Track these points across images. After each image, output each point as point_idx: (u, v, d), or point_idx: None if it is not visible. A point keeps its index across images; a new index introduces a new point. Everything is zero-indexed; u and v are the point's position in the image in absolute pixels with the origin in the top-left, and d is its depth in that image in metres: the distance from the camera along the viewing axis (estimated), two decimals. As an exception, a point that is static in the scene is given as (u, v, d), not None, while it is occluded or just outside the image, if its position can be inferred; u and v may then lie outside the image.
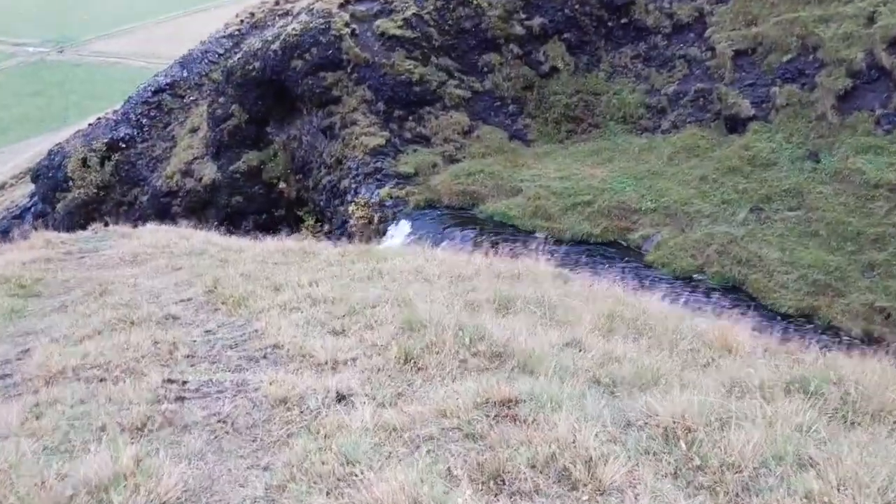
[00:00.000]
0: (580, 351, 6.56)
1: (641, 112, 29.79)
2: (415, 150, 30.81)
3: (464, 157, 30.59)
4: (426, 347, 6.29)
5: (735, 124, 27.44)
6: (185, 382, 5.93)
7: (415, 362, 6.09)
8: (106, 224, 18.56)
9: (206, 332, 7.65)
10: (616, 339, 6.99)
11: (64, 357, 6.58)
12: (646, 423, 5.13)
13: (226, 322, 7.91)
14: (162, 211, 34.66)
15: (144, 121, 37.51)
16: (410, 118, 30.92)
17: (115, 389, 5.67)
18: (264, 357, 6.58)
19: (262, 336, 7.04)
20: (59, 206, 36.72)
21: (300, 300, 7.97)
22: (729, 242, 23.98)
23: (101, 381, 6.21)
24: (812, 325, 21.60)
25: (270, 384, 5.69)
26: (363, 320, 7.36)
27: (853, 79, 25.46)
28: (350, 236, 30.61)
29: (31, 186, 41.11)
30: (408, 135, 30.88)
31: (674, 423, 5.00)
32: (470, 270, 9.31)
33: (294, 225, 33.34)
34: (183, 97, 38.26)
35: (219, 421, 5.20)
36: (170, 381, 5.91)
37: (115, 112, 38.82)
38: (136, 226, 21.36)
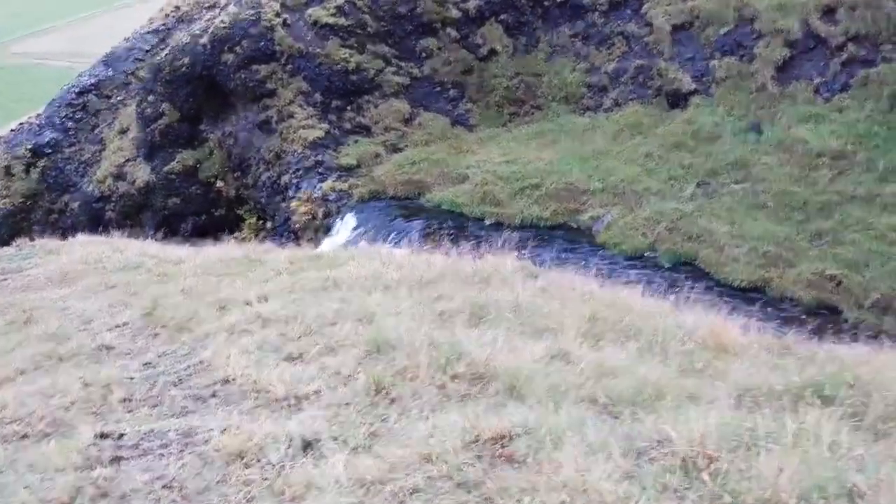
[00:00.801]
0: (568, 364, 5.88)
1: (583, 91, 29.32)
2: (356, 141, 29.84)
3: (406, 146, 29.74)
4: (398, 374, 5.52)
5: (677, 99, 27.16)
6: (121, 436, 5.05)
7: (387, 392, 5.32)
8: (32, 238, 17.26)
9: (145, 364, 6.76)
10: (603, 346, 6.33)
11: (-22, 411, 5.64)
12: (659, 453, 4.46)
13: (167, 351, 7.02)
14: (95, 217, 33.04)
15: (70, 124, 35.66)
16: (349, 108, 29.92)
17: (37, 453, 4.77)
18: (213, 395, 5.73)
19: (210, 368, 6.18)
20: (-16, 217, 34.73)
21: (249, 321, 7.12)
22: (679, 219, 23.67)
23: (22, 438, 5.30)
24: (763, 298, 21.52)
25: (223, 433, 4.86)
26: (322, 341, 6.55)
27: (790, 48, 25.35)
28: (295, 233, 29.54)
29: (-46, 198, 38.90)
30: (347, 125, 29.89)
31: (691, 450, 4.35)
32: (432, 273, 8.56)
33: (235, 225, 32.11)
34: (110, 97, 36.47)
35: (164, 486, 4.36)
36: (103, 435, 5.03)
37: (38, 116, 36.84)
38: (65, 238, 20.02)
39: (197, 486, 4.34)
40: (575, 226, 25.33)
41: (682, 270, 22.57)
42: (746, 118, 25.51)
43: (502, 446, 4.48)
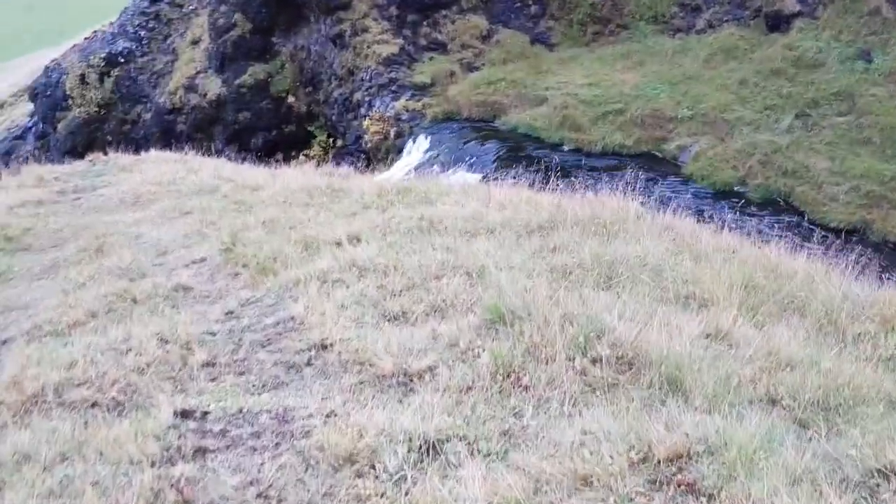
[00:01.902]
0: (731, 347, 4.82)
1: (674, 11, 27.17)
2: (431, 59, 28.40)
3: (483, 65, 28.20)
4: (528, 353, 4.54)
5: (777, 22, 24.91)
6: (205, 414, 4.22)
7: (517, 377, 4.36)
8: (105, 152, 16.62)
9: (227, 314, 5.92)
10: (765, 323, 5.24)
11: (44, 367, 4.87)
12: (879, 485, 3.43)
13: (251, 298, 6.17)
14: (167, 130, 32.52)
15: (143, 33, 34.87)
16: (425, 23, 28.38)
17: (108, 435, 3.97)
18: (308, 363, 4.85)
19: (302, 327, 5.30)
20: (59, 126, 34.56)
21: (343, 268, 6.19)
22: (773, 152, 21.91)
23: (92, 406, 4.51)
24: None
25: (325, 422, 3.98)
26: (428, 299, 5.60)
27: (912, -33, 22.82)
28: (366, 153, 28.57)
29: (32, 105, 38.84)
30: (423, 41, 28.41)
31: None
32: (541, 217, 7.48)
33: (305, 142, 31.25)
34: (182, 6, 35.46)
35: (258, 495, 3.51)
36: (184, 413, 4.21)
37: (111, 24, 36.15)
38: (138, 152, 19.38)
39: (299, 499, 3.47)
40: (660, 155, 23.74)
41: (775, 207, 21.05)
42: (855, 44, 23.25)
43: (679, 469, 3.49)
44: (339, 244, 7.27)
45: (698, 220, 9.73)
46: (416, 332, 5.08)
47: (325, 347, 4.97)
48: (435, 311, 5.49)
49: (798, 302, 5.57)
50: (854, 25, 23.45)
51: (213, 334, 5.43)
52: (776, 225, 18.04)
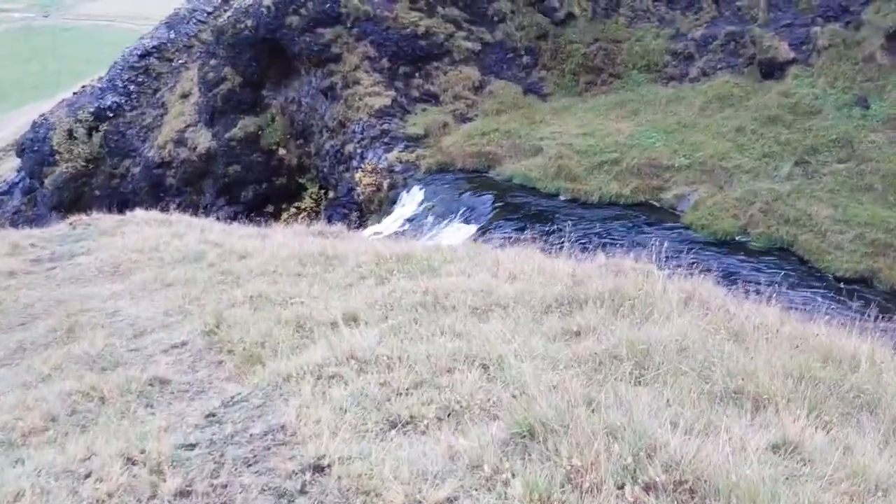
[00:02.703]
0: (804, 463, 4.02)
1: (667, 59, 26.88)
2: (423, 110, 27.95)
3: (476, 115, 27.77)
4: (567, 479, 3.73)
5: (772, 69, 24.60)
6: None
7: (557, 513, 3.54)
8: (88, 211, 15.87)
9: (209, 417, 5.10)
10: (833, 426, 4.46)
11: (-15, 500, 4.03)
12: None
13: (236, 397, 5.35)
14: (155, 183, 31.88)
15: (132, 87, 34.42)
16: (417, 75, 27.99)
17: None
18: (302, 491, 4.02)
19: (294, 440, 4.48)
20: (47, 181, 33.86)
21: (339, 361, 5.41)
22: (774, 200, 21.36)
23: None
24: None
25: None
26: (440, 399, 4.79)
27: (905, 14, 22.58)
28: (358, 205, 27.93)
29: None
30: (415, 93, 27.99)
31: None
32: (558, 290, 6.73)
33: (297, 194, 30.62)
34: (171, 60, 35.10)
35: None
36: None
37: (100, 79, 35.70)
38: (124, 209, 18.64)
39: None
40: (657, 204, 23.16)
41: (777, 257, 20.41)
42: (851, 91, 22.89)
43: None
44: (334, 325, 6.48)
45: (721, 283, 9.04)
46: (430, 447, 4.27)
47: (321, 469, 4.14)
48: (449, 416, 4.68)
49: (866, 397, 4.81)
50: (849, 72, 23.12)
51: (191, 448, 4.60)
52: (798, 285, 17.31)
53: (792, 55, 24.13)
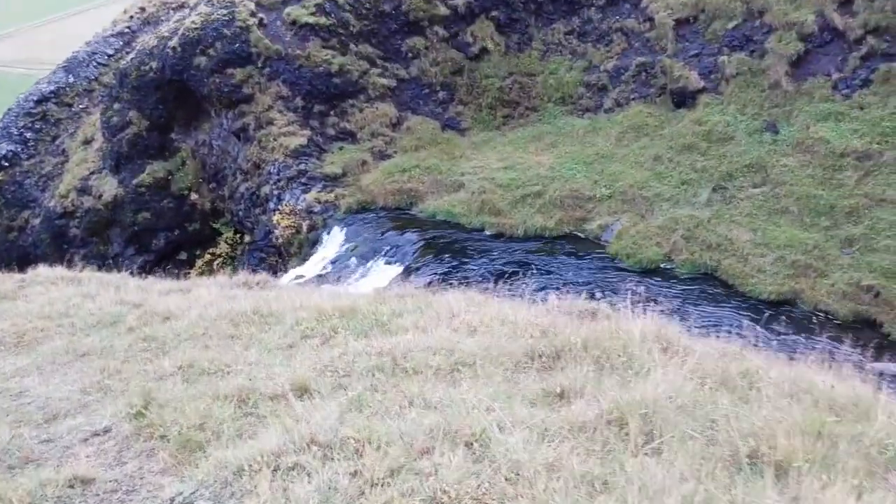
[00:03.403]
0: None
1: (581, 91, 27.07)
2: (341, 148, 27.24)
3: (395, 152, 27.23)
4: None
5: (683, 98, 25.03)
6: None
7: None
8: (-15, 271, 14.43)
9: (145, 529, 4.26)
10: (864, 490, 3.99)
11: None
12: None
13: (178, 498, 4.52)
14: (58, 234, 29.97)
15: (29, 134, 32.47)
16: (333, 113, 27.31)
17: None
18: None
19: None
20: (-63, 237, 31.43)
21: (299, 447, 4.64)
22: (695, 226, 21.55)
23: None
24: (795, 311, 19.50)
25: None
26: (423, 490, 4.10)
27: (805, 42, 23.33)
28: (277, 248, 26.89)
29: None
30: (331, 131, 27.27)
31: None
32: (526, 343, 6.15)
33: (211, 239, 29.32)
34: (71, 105, 33.33)
35: None
36: None
37: (-7, 127, 33.55)
38: (25, 263, 17.14)
39: None
40: (582, 235, 23.06)
41: (702, 282, 20.52)
42: (761, 117, 23.46)
43: None
44: (282, 399, 5.70)
45: (679, 320, 8.69)
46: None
47: None
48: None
49: (889, 454, 4.39)
50: (757, 99, 23.71)
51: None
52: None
53: (702, 84, 24.61)
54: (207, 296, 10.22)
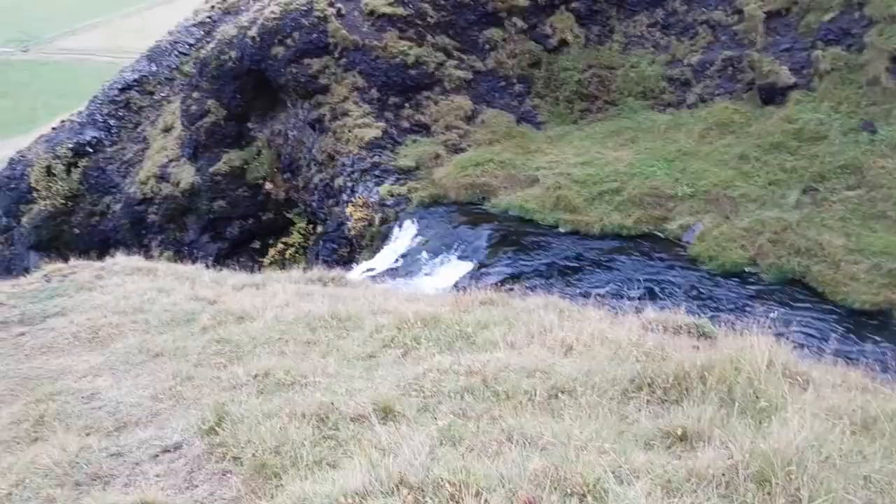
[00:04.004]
0: None
1: (663, 86, 25.93)
2: (414, 141, 26.77)
3: (469, 146, 26.60)
4: None
5: (772, 95, 23.69)
6: None
7: None
8: (67, 256, 14.44)
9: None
10: None
11: None
12: None
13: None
14: (137, 220, 30.36)
15: (112, 122, 32.98)
16: (407, 105, 26.85)
17: None
18: None
19: None
20: (24, 219, 32.22)
21: (386, 489, 4.09)
22: (783, 230, 20.31)
23: None
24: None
25: None
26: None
27: (908, 37, 21.76)
28: (349, 240, 26.62)
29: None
30: (405, 124, 26.82)
31: None
32: (631, 369, 5.48)
33: (284, 229, 29.27)
34: (153, 94, 33.73)
35: None
36: None
37: (79, 114, 34.22)
38: (105, 250, 17.30)
39: None
40: (662, 236, 22.03)
41: (790, 289, 19.32)
42: (856, 115, 22.00)
43: None
44: (364, 420, 5.17)
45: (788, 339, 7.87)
46: None
47: None
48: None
49: None
50: (853, 96, 22.25)
51: None
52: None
53: (793, 80, 23.25)
54: (282, 292, 9.82)
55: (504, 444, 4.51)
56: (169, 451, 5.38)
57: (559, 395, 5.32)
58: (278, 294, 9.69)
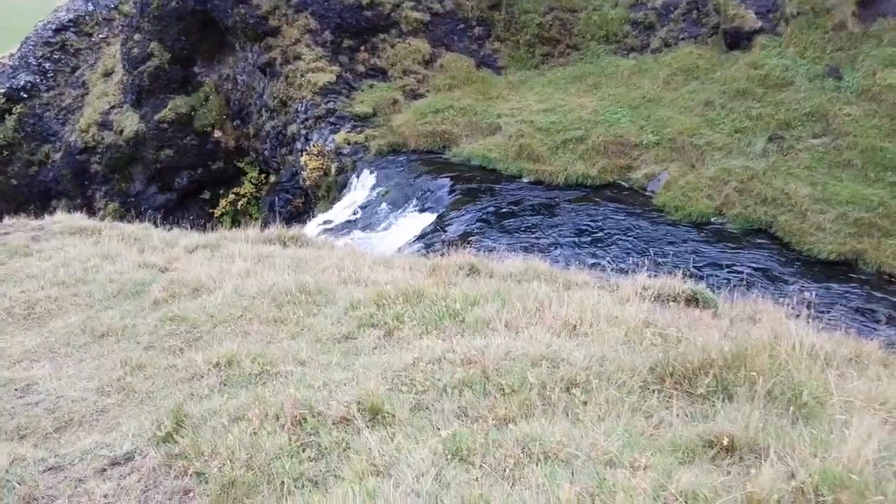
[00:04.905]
0: None
1: (626, 29, 25.09)
2: (371, 86, 25.56)
3: (427, 91, 25.53)
4: None
5: (737, 39, 23.06)
6: None
7: None
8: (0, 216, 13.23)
9: None
10: None
11: None
12: None
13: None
14: (79, 171, 28.68)
15: (48, 65, 30.88)
16: (363, 48, 25.55)
17: None
18: None
19: None
20: (-44, 170, 30.22)
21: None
22: (749, 178, 19.91)
23: None
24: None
25: None
26: None
27: (876, -20, 21.24)
28: (304, 190, 25.53)
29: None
30: (361, 68, 25.56)
31: None
32: (648, 357, 4.82)
33: (235, 179, 27.98)
34: (91, 35, 31.61)
35: None
36: None
37: (10, 56, 31.96)
38: (44, 204, 16.00)
39: None
40: (627, 185, 21.48)
41: (756, 239, 19.00)
42: (822, 61, 21.53)
43: None
44: (348, 424, 4.42)
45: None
46: None
47: None
48: None
49: None
50: (819, 42, 21.74)
51: None
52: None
53: (759, 24, 22.63)
54: (239, 257, 8.92)
55: (521, 458, 3.80)
56: (119, 463, 4.56)
57: (571, 388, 4.63)
58: (236, 259, 8.78)
